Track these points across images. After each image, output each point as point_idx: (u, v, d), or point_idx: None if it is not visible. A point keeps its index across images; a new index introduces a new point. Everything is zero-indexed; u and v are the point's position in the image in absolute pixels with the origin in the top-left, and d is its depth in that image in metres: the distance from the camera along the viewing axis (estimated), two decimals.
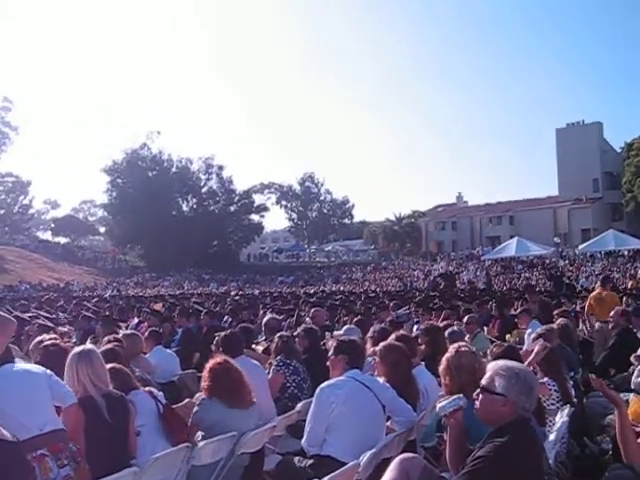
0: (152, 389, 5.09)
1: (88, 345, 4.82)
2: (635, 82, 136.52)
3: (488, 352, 9.23)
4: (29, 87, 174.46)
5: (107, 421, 4.25)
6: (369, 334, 7.45)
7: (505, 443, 3.25)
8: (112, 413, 4.30)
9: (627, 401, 6.00)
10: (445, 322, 10.09)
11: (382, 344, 5.66)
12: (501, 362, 3.67)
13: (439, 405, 3.82)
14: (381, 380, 5.16)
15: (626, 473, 4.19)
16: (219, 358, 5.30)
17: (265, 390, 6.18)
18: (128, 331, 8.59)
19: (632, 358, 7.94)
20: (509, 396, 3.42)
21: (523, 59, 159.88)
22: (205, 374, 5.16)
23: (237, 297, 26.79)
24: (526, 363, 5.77)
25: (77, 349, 4.54)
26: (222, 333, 6.53)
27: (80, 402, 4.22)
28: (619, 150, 68.87)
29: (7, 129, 78.90)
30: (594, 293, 13.57)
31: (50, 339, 5.42)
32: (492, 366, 3.64)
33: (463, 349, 4.88)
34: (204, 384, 5.14)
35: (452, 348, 4.90)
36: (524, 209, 71.27)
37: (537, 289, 26.35)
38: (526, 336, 9.54)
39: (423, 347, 7.12)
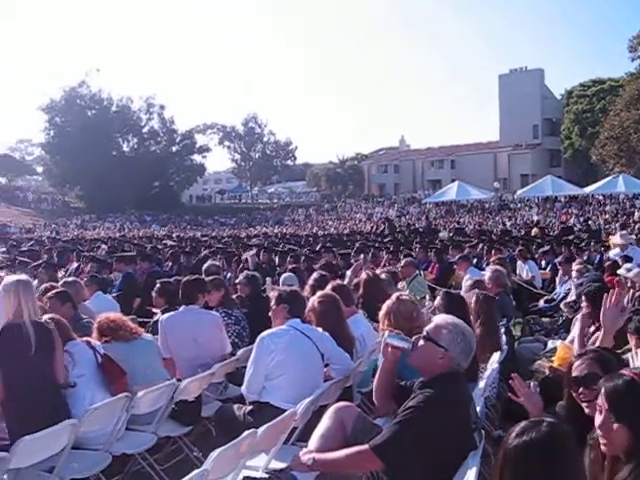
0: (90, 339, 5.08)
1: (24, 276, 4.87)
2: (577, 30, 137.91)
3: (427, 297, 9.50)
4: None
5: (32, 347, 4.34)
6: (309, 282, 7.54)
7: (436, 394, 3.36)
8: (38, 343, 4.38)
9: (555, 347, 6.25)
10: (384, 268, 10.26)
11: (314, 296, 5.74)
12: (450, 318, 3.77)
13: (389, 334, 3.91)
14: (320, 329, 5.25)
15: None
16: (103, 317, 5.47)
17: (214, 337, 6.17)
18: (70, 278, 8.46)
19: (562, 305, 8.27)
20: (450, 351, 3.53)
21: (469, 3, 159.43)
22: (96, 333, 5.34)
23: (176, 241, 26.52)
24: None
25: (16, 277, 4.63)
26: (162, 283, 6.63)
27: (4, 329, 4.35)
28: (559, 97, 69.77)
29: None
30: None
31: None
32: (441, 318, 3.76)
33: (404, 297, 5.04)
34: (100, 335, 5.31)
35: (393, 295, 5.04)
36: (465, 153, 71.88)
37: None
38: (464, 282, 9.73)
39: (361, 295, 7.24)
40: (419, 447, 3.29)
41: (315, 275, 7.67)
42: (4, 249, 22.03)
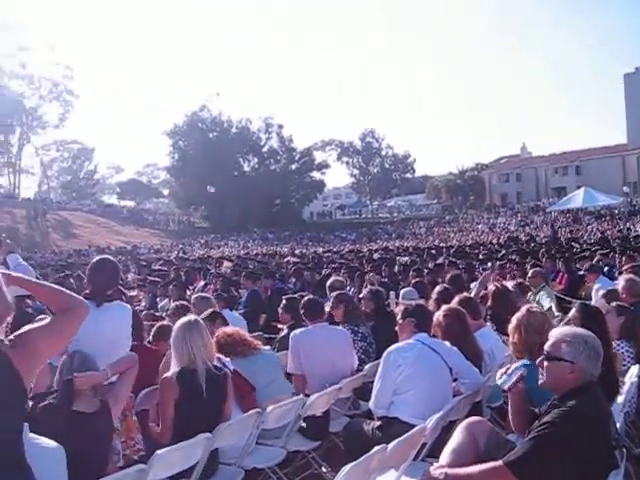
0: (219, 355, 5.11)
1: (193, 316, 4.88)
2: None
3: (553, 306, 9.20)
4: (91, 54, 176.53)
5: (203, 396, 4.33)
6: (433, 295, 7.43)
7: (572, 408, 3.23)
8: (210, 389, 4.37)
9: None
10: (512, 280, 10.01)
11: (439, 310, 5.65)
12: (566, 329, 3.62)
13: (500, 381, 3.78)
14: (448, 343, 5.17)
15: None
16: (220, 332, 5.54)
17: (344, 353, 6.15)
18: (203, 294, 8.66)
19: None
20: (577, 362, 3.37)
21: (590, 2, 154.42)
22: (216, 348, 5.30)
23: (299, 257, 26.90)
24: None
25: (186, 319, 4.59)
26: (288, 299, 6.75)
27: (181, 373, 4.33)
28: None
29: (70, 97, 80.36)
30: None
31: None
32: (557, 333, 3.57)
33: (534, 309, 4.89)
34: (218, 351, 5.26)
35: (523, 308, 4.91)
36: (591, 158, 69.28)
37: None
38: (593, 292, 9.39)
39: (489, 307, 7.10)
40: (555, 464, 3.17)
41: (439, 288, 7.56)
42: (135, 269, 23.02)
